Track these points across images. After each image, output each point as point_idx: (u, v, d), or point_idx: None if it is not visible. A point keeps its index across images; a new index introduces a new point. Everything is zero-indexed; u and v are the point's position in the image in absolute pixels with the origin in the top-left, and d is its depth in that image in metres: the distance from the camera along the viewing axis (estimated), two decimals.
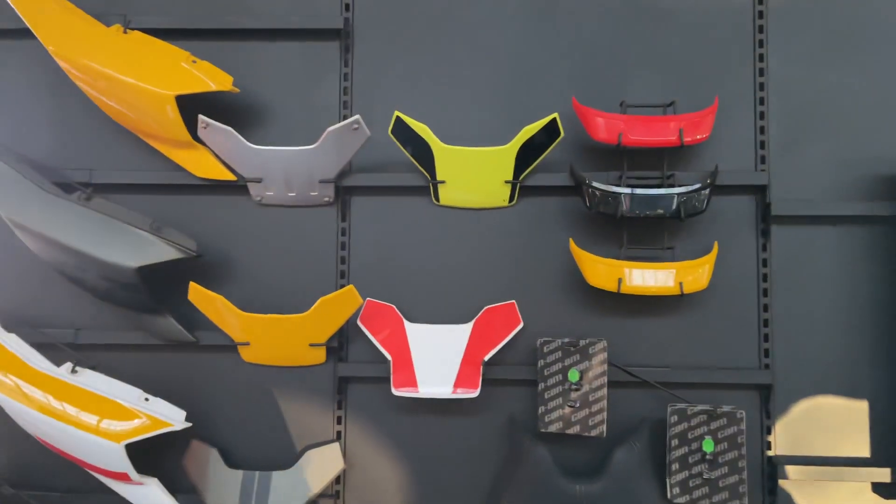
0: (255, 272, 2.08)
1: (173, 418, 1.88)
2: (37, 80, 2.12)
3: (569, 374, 1.89)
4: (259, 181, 2.01)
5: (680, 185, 1.93)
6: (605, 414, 1.87)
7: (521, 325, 1.97)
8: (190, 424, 1.88)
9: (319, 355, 2.03)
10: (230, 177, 2.02)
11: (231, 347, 2.03)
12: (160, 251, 1.90)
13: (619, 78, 2.05)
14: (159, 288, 1.99)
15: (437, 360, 1.95)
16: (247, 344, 2.00)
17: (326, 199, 2.05)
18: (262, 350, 2.02)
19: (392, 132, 1.94)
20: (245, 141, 1.94)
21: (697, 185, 1.90)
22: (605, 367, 1.88)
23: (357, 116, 1.89)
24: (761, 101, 2.02)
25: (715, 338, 1.98)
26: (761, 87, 2.02)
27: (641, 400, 1.96)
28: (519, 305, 1.98)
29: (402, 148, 1.96)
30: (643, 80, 2.04)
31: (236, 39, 2.10)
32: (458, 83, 2.08)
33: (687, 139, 1.89)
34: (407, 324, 1.99)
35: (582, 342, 1.89)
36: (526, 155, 1.94)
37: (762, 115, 2.02)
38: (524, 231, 2.04)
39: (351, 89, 2.10)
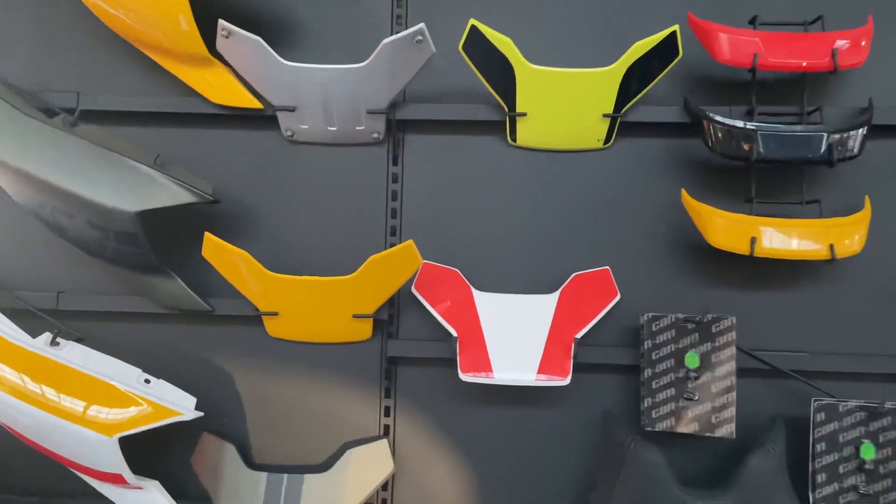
0: (284, 225, 1.67)
1: (181, 406, 1.47)
2: None
3: (686, 359, 1.49)
4: (292, 110, 1.60)
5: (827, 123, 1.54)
6: (733, 409, 1.47)
7: (617, 297, 1.57)
8: (201, 414, 1.48)
9: (365, 329, 1.62)
10: (255, 104, 1.60)
11: (254, 319, 1.62)
12: (168, 193, 1.49)
13: None
14: (165, 242, 1.58)
15: (516, 338, 1.54)
16: (275, 314, 1.59)
17: (375, 135, 1.64)
18: (293, 322, 1.61)
19: (463, 47, 1.52)
20: (277, 56, 1.53)
21: (852, 124, 1.50)
22: (734, 349, 1.48)
23: (422, 25, 1.47)
24: None
25: (865, 316, 1.58)
26: None
27: (774, 393, 1.56)
28: (615, 272, 1.58)
29: (474, 69, 1.54)
30: None
31: None
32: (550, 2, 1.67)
33: (842, 63, 1.48)
34: (476, 292, 1.59)
35: (703, 318, 1.49)
36: (632, 80, 1.53)
37: None
38: (623, 180, 1.64)
39: (406, 2, 1.68)
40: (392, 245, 1.66)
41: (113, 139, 1.52)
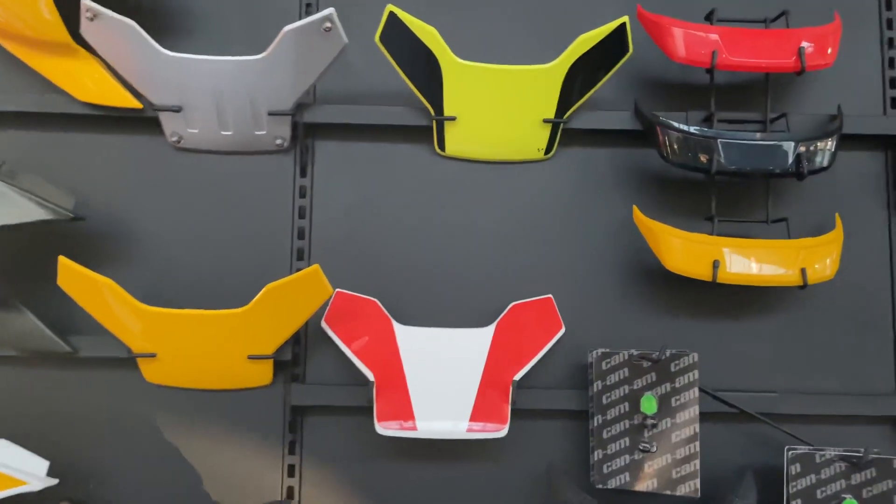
0: (169, 249, 1.39)
1: (28, 472, 1.18)
2: None
3: (642, 403, 1.27)
4: (178, 111, 1.34)
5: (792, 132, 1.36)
6: (697, 462, 1.25)
7: (562, 331, 1.35)
8: (55, 481, 1.19)
9: (264, 373, 1.35)
10: (132, 103, 1.34)
11: (126, 362, 1.33)
12: (14, 208, 1.20)
13: None
14: (14, 268, 1.29)
15: (444, 380, 1.30)
16: (152, 356, 1.31)
17: (279, 141, 1.39)
18: (175, 365, 1.33)
19: (381, 38, 1.29)
20: (155, 44, 1.27)
21: (822, 132, 1.33)
22: (697, 391, 1.28)
23: (330, 10, 1.24)
24: (889, 24, 1.47)
25: (841, 349, 1.39)
26: (888, 4, 1.47)
27: (742, 440, 1.36)
28: (559, 301, 1.36)
29: (394, 64, 1.31)
30: None
31: None
32: None
33: (810, 64, 1.31)
34: (397, 326, 1.34)
35: (661, 355, 1.28)
36: (576, 80, 1.33)
37: (891, 43, 1.46)
38: (567, 195, 1.43)
39: None
40: (299, 270, 1.40)
41: None
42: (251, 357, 1.31)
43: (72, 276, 1.23)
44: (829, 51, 1.34)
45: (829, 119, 1.39)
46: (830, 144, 1.31)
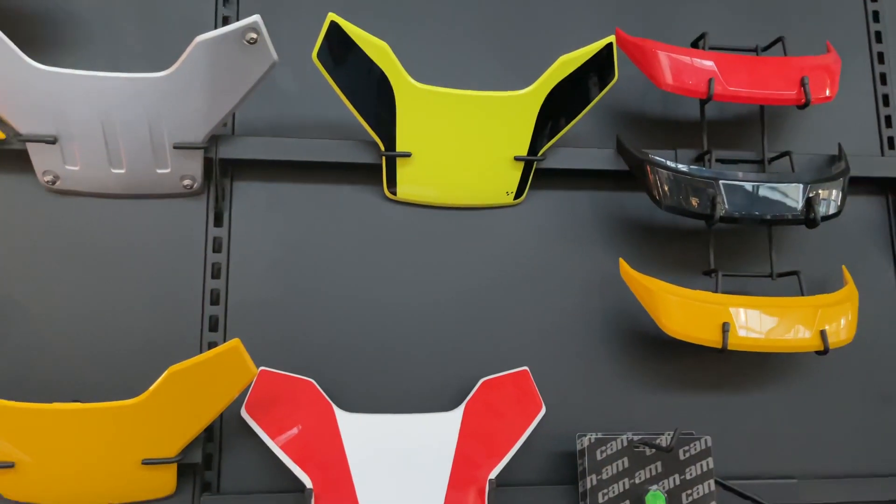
0: (39, 320, 1.07)
1: None
2: None
3: (647, 501, 1.04)
4: (52, 142, 1.03)
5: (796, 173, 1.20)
6: None
7: (542, 412, 1.11)
8: None
9: (164, 482, 1.03)
10: None
11: None
12: None
13: (684, 9, 1.30)
14: None
15: (402, 483, 1.02)
16: (10, 465, 0.97)
17: (188, 182, 1.11)
18: (42, 477, 0.99)
19: (319, 54, 1.05)
20: (22, 54, 0.98)
21: (830, 174, 1.17)
22: (713, 484, 1.05)
23: (255, 18, 0.99)
24: (880, 58, 1.35)
25: (863, 423, 1.21)
26: (878, 37, 1.35)
27: None
28: (536, 374, 1.12)
29: (334, 86, 1.06)
30: (716, 15, 1.30)
31: None
32: (439, 5, 1.25)
33: (815, 96, 1.16)
34: (339, 414, 1.06)
35: (668, 441, 1.05)
36: (554, 110, 1.12)
37: (883, 79, 1.34)
38: (541, 246, 1.20)
39: None
40: (211, 344, 1.11)
41: None
42: (146, 462, 0.99)
43: None
44: (830, 83, 1.19)
45: (828, 159, 1.24)
46: (840, 188, 1.15)
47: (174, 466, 1.02)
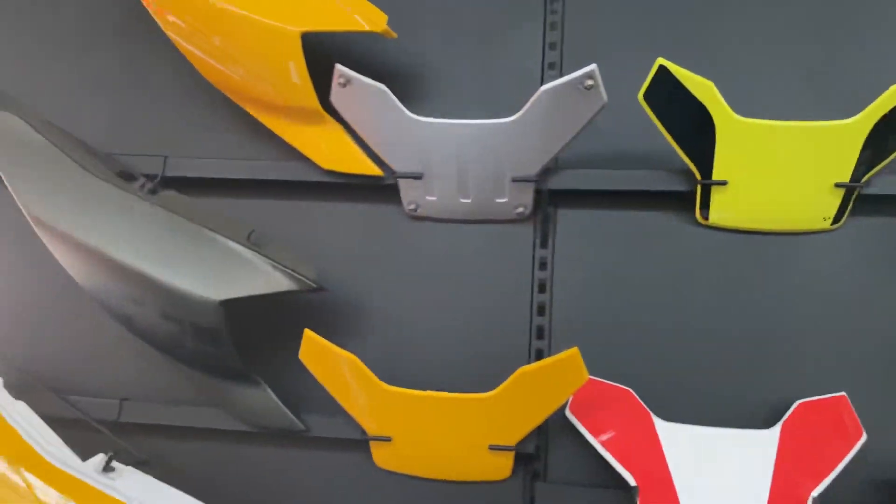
0: (399, 324, 1.31)
1: None
2: (94, 24, 1.46)
3: None
4: (419, 177, 1.27)
5: None
6: None
7: (863, 439, 1.11)
8: None
9: (503, 466, 1.21)
10: (374, 171, 1.29)
11: (359, 444, 1.24)
12: (262, 278, 1.16)
13: None
14: (249, 338, 1.24)
15: (722, 492, 1.09)
16: (387, 440, 1.21)
17: (520, 209, 1.28)
18: (410, 451, 1.22)
19: (646, 95, 1.16)
20: (405, 109, 1.21)
21: None
22: None
23: (593, 67, 1.13)
24: None
25: None
26: None
27: None
28: (856, 400, 1.12)
29: (658, 123, 1.17)
30: None
31: None
32: (741, 31, 1.31)
33: None
34: (658, 422, 1.16)
35: None
36: (880, 139, 1.12)
37: None
38: (859, 272, 1.20)
39: (561, 45, 1.35)
40: (538, 350, 1.27)
41: (197, 209, 1.22)
42: (493, 447, 1.17)
43: (315, 349, 1.16)
44: None
45: None
46: None
47: (512, 454, 1.19)
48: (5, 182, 1.19)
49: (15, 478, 1.13)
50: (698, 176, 1.20)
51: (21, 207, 1.19)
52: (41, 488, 1.13)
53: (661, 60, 1.14)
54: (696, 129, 1.16)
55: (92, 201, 1.17)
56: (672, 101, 1.16)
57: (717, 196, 1.21)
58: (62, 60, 1.45)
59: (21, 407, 1.19)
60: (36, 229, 1.19)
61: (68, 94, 1.43)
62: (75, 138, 1.31)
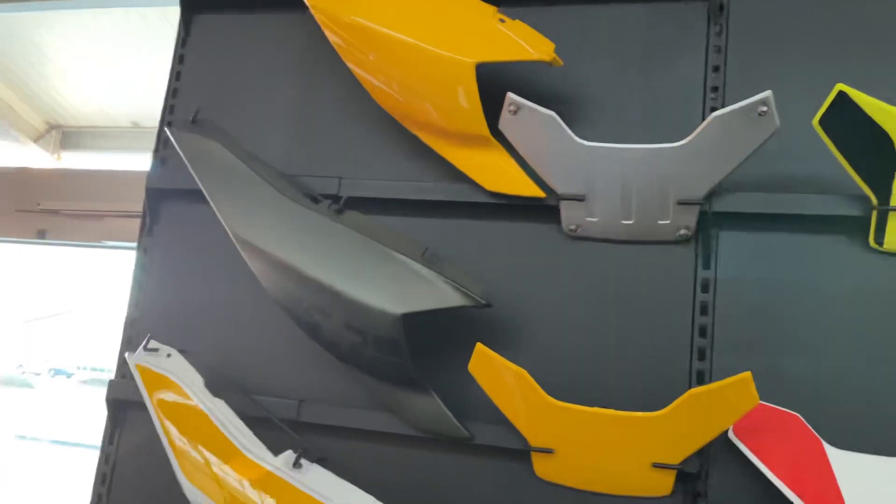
0: (559, 340, 1.36)
1: None
2: (277, 56, 1.61)
3: None
4: (581, 199, 1.31)
5: None
6: None
7: None
8: None
9: (664, 483, 1.23)
10: (536, 192, 1.34)
11: (520, 454, 1.29)
12: (437, 294, 1.24)
13: None
14: (419, 350, 1.32)
15: None
16: (550, 451, 1.26)
17: (683, 231, 1.30)
18: (571, 463, 1.26)
19: (821, 121, 1.16)
20: (572, 134, 1.26)
21: None
22: None
23: (768, 93, 1.14)
24: None
25: None
26: None
27: None
28: None
29: (833, 148, 1.17)
30: None
31: None
32: None
33: None
34: (830, 450, 1.15)
35: None
36: None
37: None
38: None
39: (724, 68, 1.37)
40: (699, 372, 1.28)
41: (379, 229, 1.32)
42: (656, 465, 1.20)
43: (484, 362, 1.23)
44: None
45: None
46: None
47: (674, 473, 1.21)
48: (211, 203, 1.34)
49: (218, 471, 1.26)
50: (875, 202, 1.18)
51: (224, 225, 1.33)
52: (239, 481, 1.26)
53: (840, 86, 1.13)
54: (873, 155, 1.15)
55: (286, 221, 1.30)
56: (847, 127, 1.15)
57: (893, 222, 1.19)
58: (253, 90, 1.60)
59: (220, 404, 1.33)
60: (237, 245, 1.32)
61: (257, 121, 1.57)
62: (268, 164, 1.44)
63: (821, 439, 1.16)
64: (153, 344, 1.39)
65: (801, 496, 1.12)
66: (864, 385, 1.20)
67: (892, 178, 1.15)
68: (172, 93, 1.66)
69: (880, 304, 1.22)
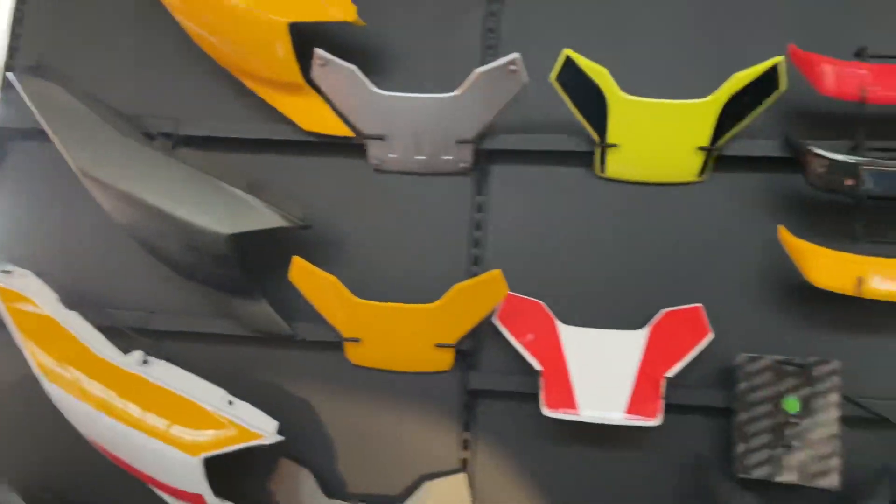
0: (367, 252, 1.67)
1: (263, 429, 1.47)
2: (118, 2, 1.78)
3: (784, 403, 1.42)
4: (381, 139, 1.61)
5: None
6: (838, 458, 1.38)
7: (710, 336, 1.51)
8: (282, 438, 1.47)
9: (446, 360, 1.60)
10: (346, 132, 1.63)
11: (334, 345, 1.61)
12: (260, 217, 1.51)
13: (852, 24, 1.59)
14: (249, 265, 1.59)
15: (602, 374, 1.49)
16: (357, 340, 1.58)
17: (462, 164, 1.64)
18: (374, 349, 1.60)
19: (557, 78, 1.51)
20: (371, 85, 1.55)
21: None
22: (838, 396, 1.40)
23: (516, 55, 1.47)
24: None
25: None
26: None
27: (882, 445, 1.47)
28: (708, 310, 1.51)
29: (567, 100, 1.53)
30: (886, 26, 1.57)
31: None
32: (638, 26, 1.66)
33: None
34: (561, 326, 1.55)
35: (805, 362, 1.42)
36: (730, 113, 1.49)
37: None
38: (716, 215, 1.59)
39: (499, 29, 1.69)
40: (474, 274, 1.63)
41: (209, 164, 1.56)
42: (438, 345, 1.56)
43: (302, 272, 1.52)
44: None
45: None
46: None
47: (453, 350, 1.58)
48: (56, 142, 1.52)
49: (65, 373, 1.48)
50: (597, 140, 1.56)
51: (69, 161, 1.52)
52: (90, 379, 1.49)
53: (567, 52, 1.48)
54: (594, 105, 1.52)
55: (125, 157, 1.51)
56: (576, 83, 1.51)
57: (611, 156, 1.58)
58: (95, 42, 1.76)
59: (74, 316, 1.54)
60: (81, 179, 1.52)
61: (100, 68, 1.74)
62: (106, 104, 1.63)
63: (555, 318, 1.55)
64: (8, 267, 1.57)
65: (539, 360, 1.51)
66: (587, 276, 1.60)
67: (606, 123, 1.53)
68: (15, 37, 1.79)
69: (602, 217, 1.62)
